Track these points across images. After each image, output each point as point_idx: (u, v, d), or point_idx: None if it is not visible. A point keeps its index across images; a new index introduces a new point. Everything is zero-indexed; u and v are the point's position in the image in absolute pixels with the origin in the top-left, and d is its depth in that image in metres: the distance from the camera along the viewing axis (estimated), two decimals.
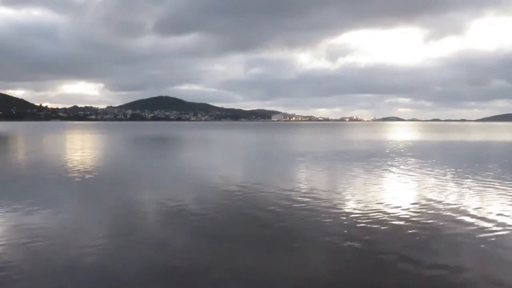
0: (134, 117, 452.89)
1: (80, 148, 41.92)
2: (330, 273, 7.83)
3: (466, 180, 18.51)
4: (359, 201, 13.94)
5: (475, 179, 18.86)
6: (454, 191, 15.89)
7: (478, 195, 15.03)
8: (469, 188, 16.57)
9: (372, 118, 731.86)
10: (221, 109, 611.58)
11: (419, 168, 23.34)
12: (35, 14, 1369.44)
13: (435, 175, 20.52)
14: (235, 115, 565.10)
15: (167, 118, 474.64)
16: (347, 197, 14.77)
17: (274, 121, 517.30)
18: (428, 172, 21.56)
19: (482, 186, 16.85)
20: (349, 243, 9.53)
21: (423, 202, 13.86)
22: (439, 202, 13.82)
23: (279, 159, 30.55)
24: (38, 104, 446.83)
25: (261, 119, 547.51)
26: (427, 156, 31.34)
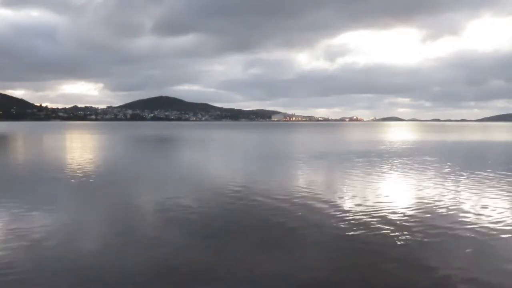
0: (134, 117, 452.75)
1: (81, 148, 41.95)
2: (330, 273, 7.83)
3: (468, 181, 18.52)
4: (360, 201, 13.94)
5: (477, 179, 18.88)
6: (455, 191, 15.88)
7: (479, 195, 15.03)
8: (470, 188, 16.57)
9: (372, 118, 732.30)
10: (221, 109, 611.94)
11: (420, 169, 23.35)
12: (35, 15, 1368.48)
13: (437, 175, 20.54)
14: (235, 115, 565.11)
15: (167, 118, 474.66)
16: (348, 197, 14.78)
17: (274, 121, 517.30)
18: (430, 173, 21.57)
19: (483, 186, 16.86)
20: (349, 243, 9.54)
21: (424, 202, 13.86)
22: (440, 202, 13.83)
23: (280, 159, 30.55)
24: (38, 104, 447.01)
25: (261, 119, 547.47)
26: (430, 156, 31.35)
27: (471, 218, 11.65)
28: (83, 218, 12.06)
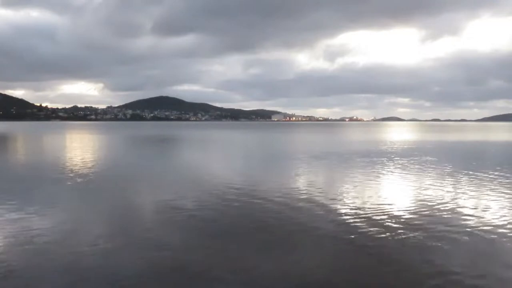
0: (134, 117, 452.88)
1: (81, 148, 41.92)
2: (330, 274, 7.82)
3: (469, 181, 18.50)
4: (360, 202, 13.92)
5: (478, 179, 18.87)
6: (456, 193, 15.87)
7: (480, 196, 15.02)
8: (471, 189, 16.56)
9: (372, 118, 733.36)
10: (221, 109, 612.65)
11: (421, 169, 23.33)
12: (34, 15, 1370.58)
13: (438, 176, 20.52)
14: (235, 115, 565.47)
15: (167, 118, 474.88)
16: (348, 198, 14.75)
17: (275, 121, 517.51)
18: (430, 173, 21.55)
19: (484, 187, 16.86)
20: (349, 244, 9.52)
21: (425, 204, 13.85)
22: (441, 203, 13.82)
23: (281, 159, 30.53)
24: (38, 104, 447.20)
25: (261, 119, 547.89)
26: (430, 156, 31.32)
27: (472, 219, 11.63)
28: (83, 219, 12.03)
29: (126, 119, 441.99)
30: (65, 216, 12.30)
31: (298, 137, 71.54)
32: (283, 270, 7.91)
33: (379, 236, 10.02)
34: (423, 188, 16.63)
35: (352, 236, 9.99)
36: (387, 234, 10.18)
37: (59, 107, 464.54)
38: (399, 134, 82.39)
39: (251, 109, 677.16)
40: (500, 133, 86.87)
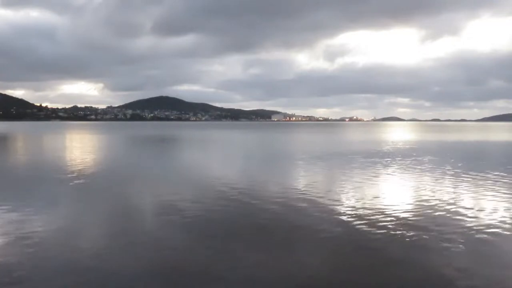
0: (134, 117, 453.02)
1: (81, 148, 41.92)
2: (330, 274, 7.81)
3: (470, 181, 18.49)
4: (361, 203, 13.92)
5: (479, 180, 18.86)
6: (457, 193, 15.86)
7: (481, 196, 15.01)
8: (472, 189, 16.56)
9: (372, 118, 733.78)
10: (221, 109, 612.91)
11: (422, 169, 23.32)
12: (34, 15, 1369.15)
13: (439, 176, 20.51)
14: (235, 115, 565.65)
15: (167, 118, 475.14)
16: (349, 198, 14.75)
17: (274, 121, 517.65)
18: (431, 173, 21.55)
19: (485, 187, 16.84)
20: (349, 244, 9.52)
21: (426, 204, 13.85)
22: (442, 203, 13.81)
23: (281, 160, 30.52)
24: (38, 104, 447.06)
25: (261, 119, 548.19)
26: (432, 156, 31.31)
27: (473, 219, 11.62)
28: (83, 219, 12.03)
29: (126, 119, 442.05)
30: (66, 216, 12.30)
31: (298, 137, 71.55)
32: (283, 270, 7.90)
33: (379, 236, 10.01)
34: (423, 189, 16.62)
35: (353, 236, 9.98)
36: (388, 234, 10.17)
37: (59, 107, 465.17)
38: (399, 134, 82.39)
39: (251, 109, 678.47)
40: (500, 133, 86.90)
